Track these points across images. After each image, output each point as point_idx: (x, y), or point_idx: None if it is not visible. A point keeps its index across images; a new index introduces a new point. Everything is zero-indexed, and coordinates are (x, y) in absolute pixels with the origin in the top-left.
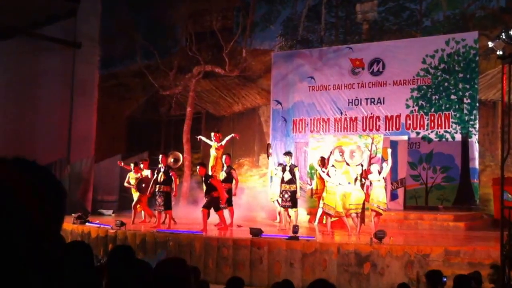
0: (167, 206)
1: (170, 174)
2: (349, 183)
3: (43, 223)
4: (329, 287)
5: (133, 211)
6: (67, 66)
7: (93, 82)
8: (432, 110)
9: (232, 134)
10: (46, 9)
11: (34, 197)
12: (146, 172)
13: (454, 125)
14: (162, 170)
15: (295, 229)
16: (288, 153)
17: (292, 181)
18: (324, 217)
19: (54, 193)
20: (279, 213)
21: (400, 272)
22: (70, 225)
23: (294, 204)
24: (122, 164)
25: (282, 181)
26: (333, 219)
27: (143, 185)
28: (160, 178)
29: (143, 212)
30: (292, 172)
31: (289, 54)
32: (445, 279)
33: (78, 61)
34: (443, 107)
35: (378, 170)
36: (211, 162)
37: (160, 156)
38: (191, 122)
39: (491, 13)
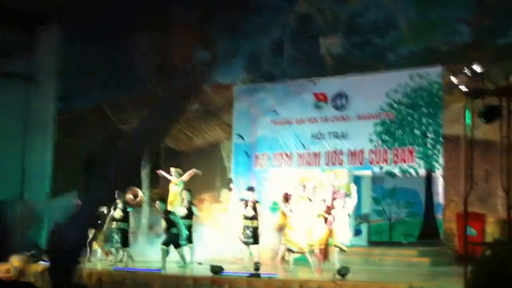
0: (125, 243)
1: (128, 210)
2: (312, 219)
3: None
4: None
5: (88, 248)
6: (21, 101)
7: (49, 117)
8: (396, 144)
9: (194, 170)
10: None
11: None
12: (102, 208)
13: (418, 160)
14: (119, 206)
15: (257, 266)
16: (250, 189)
17: (254, 217)
18: (287, 253)
19: None
20: (242, 250)
21: None
22: (23, 264)
23: (256, 241)
24: (79, 201)
25: (245, 217)
26: (296, 255)
27: (99, 222)
28: (117, 215)
29: (99, 250)
30: (254, 208)
31: (252, 88)
32: None
33: (34, 96)
34: (406, 142)
35: (342, 205)
36: (171, 198)
37: (117, 192)
38: (151, 157)
39: (456, 48)
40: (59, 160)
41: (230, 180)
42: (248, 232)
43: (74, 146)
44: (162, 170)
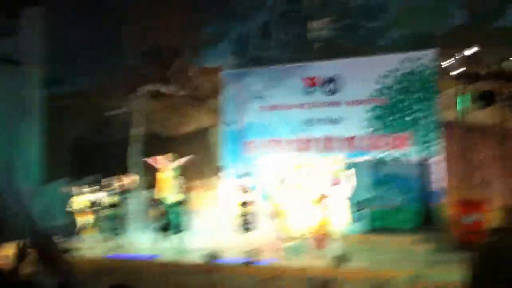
0: (117, 230)
1: (120, 197)
2: (309, 205)
3: None
4: None
5: (79, 236)
6: (5, 86)
7: (35, 103)
8: (390, 130)
9: (184, 157)
10: None
11: None
12: (95, 196)
13: (414, 146)
14: (111, 193)
15: (252, 253)
16: (244, 174)
17: (247, 203)
18: (283, 240)
19: None
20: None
21: None
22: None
23: (250, 227)
24: (68, 188)
25: (239, 203)
26: (292, 242)
27: (92, 209)
28: (109, 201)
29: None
30: (247, 194)
31: (240, 73)
32: None
33: (19, 82)
34: (401, 128)
35: (339, 192)
36: (161, 184)
37: (108, 179)
38: (139, 143)
39: (448, 32)
40: (48, 147)
41: (219, 168)
42: (242, 219)
43: (62, 132)
44: (150, 157)
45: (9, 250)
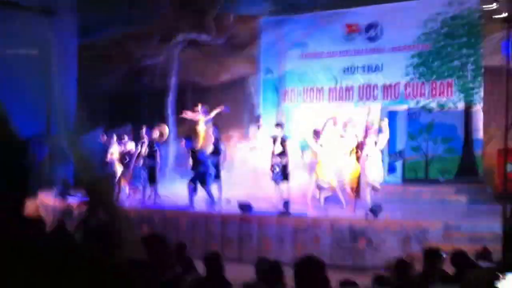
0: (152, 180)
1: (155, 148)
2: (343, 155)
3: None
4: (316, 263)
5: (117, 186)
6: (42, 36)
7: (71, 53)
8: (433, 77)
9: (221, 107)
10: None
11: None
12: (130, 146)
13: (457, 93)
14: (146, 143)
15: (286, 204)
16: (279, 125)
17: (283, 154)
18: (317, 191)
19: None
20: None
21: (396, 248)
22: (52, 201)
23: (285, 178)
24: (105, 138)
25: (273, 154)
26: (327, 193)
27: (127, 159)
28: (145, 152)
29: (126, 187)
30: (283, 144)
31: (278, 20)
32: (444, 255)
33: (55, 31)
34: (445, 74)
35: (374, 142)
36: (197, 135)
37: (144, 129)
38: (176, 93)
39: None
40: (83, 96)
41: (258, 117)
42: (278, 169)
43: (97, 82)
44: (188, 107)
45: (44, 198)
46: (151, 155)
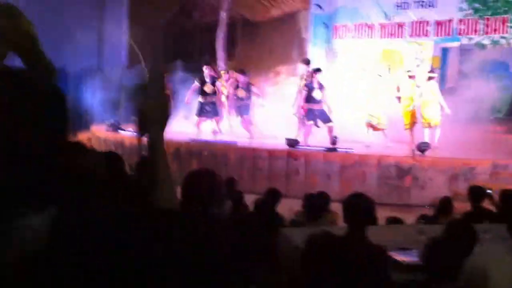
0: (215, 113)
1: (216, 84)
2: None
3: None
4: (366, 201)
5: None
6: None
7: None
8: (489, 13)
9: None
10: None
11: None
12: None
13: (511, 30)
14: (207, 80)
15: (334, 140)
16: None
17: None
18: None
19: None
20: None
21: (443, 186)
22: (103, 133)
23: (327, 120)
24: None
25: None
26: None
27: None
28: (207, 88)
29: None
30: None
31: None
32: (490, 192)
33: None
34: (500, 10)
35: (428, 79)
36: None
37: (204, 66)
38: (226, 28)
39: None
40: (134, 31)
41: (306, 53)
42: (316, 113)
43: (148, 16)
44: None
45: (96, 131)
46: (213, 90)
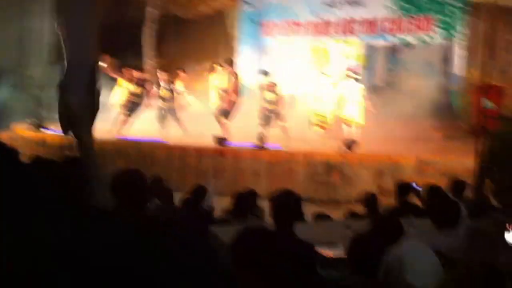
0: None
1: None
2: (323, 91)
3: None
4: (293, 197)
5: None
6: None
7: None
8: (414, 11)
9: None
10: None
11: None
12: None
13: (436, 29)
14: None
15: (260, 137)
16: (263, 73)
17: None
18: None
19: None
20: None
21: (369, 182)
22: (25, 132)
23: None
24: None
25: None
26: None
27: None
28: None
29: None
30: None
31: None
32: (419, 188)
33: None
34: (425, 8)
35: (354, 78)
36: None
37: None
38: (154, 24)
39: None
40: (59, 25)
41: (235, 50)
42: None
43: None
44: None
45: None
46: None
